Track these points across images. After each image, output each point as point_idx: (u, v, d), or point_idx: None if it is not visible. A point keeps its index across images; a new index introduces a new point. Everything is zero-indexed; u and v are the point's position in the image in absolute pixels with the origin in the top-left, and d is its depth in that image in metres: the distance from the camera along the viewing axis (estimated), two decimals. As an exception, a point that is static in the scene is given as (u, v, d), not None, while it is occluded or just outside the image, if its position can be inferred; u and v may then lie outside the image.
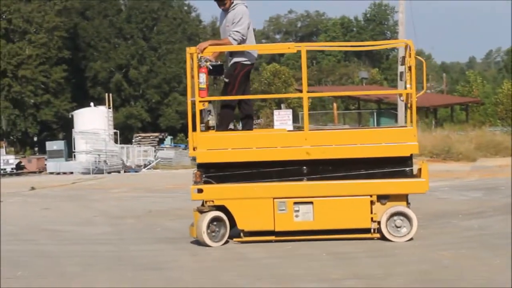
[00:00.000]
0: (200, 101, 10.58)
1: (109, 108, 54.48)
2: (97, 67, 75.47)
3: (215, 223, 10.53)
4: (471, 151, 31.98)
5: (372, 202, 10.45)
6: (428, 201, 15.91)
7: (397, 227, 10.45)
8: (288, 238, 10.60)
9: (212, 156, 10.59)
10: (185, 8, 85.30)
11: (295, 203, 10.46)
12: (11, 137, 70.65)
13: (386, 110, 55.91)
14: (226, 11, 11.28)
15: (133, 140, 58.28)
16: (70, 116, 58.05)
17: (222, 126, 11.19)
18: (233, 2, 11.24)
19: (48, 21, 69.67)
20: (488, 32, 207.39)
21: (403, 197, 10.61)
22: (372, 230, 10.53)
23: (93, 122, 51.54)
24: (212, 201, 10.53)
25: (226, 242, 10.61)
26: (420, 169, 10.59)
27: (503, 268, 8.48)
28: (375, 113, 54.96)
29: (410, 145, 10.56)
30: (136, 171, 44.29)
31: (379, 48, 13.22)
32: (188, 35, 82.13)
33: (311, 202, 10.46)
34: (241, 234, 10.65)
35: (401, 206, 10.51)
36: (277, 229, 10.50)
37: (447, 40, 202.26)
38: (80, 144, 50.77)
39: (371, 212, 10.46)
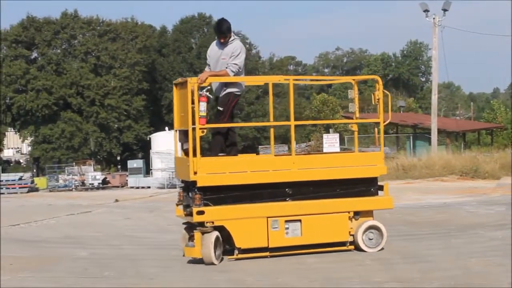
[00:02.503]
0: (200, 128, 9.86)
1: (181, 132, 54.80)
2: (171, 97, 75.98)
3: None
4: (495, 171, 31.58)
5: (349, 218, 10.28)
6: (458, 214, 15.75)
7: (370, 239, 10.33)
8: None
9: (211, 179, 9.80)
10: (247, 46, 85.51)
11: (286, 221, 10.07)
12: (98, 156, 71.40)
13: (420, 134, 55.37)
14: (223, 44, 10.59)
15: (201, 159, 58.26)
16: (148, 139, 58.68)
17: (214, 151, 10.59)
18: (231, 36, 10.59)
19: (130, 57, 70.44)
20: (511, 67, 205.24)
21: (371, 213, 10.48)
22: (348, 243, 10.36)
23: (167, 143, 51.85)
24: (212, 222, 9.73)
25: (222, 259, 9.93)
26: (382, 187, 10.54)
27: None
28: (411, 137, 54.40)
29: (379, 167, 10.45)
30: (204, 186, 44.35)
31: (352, 81, 12.85)
32: (249, 69, 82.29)
33: (299, 220, 10.12)
34: (236, 252, 9.98)
35: (374, 221, 10.40)
36: (270, 246, 10.04)
37: (474, 73, 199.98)
38: (156, 162, 51.35)
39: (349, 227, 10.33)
